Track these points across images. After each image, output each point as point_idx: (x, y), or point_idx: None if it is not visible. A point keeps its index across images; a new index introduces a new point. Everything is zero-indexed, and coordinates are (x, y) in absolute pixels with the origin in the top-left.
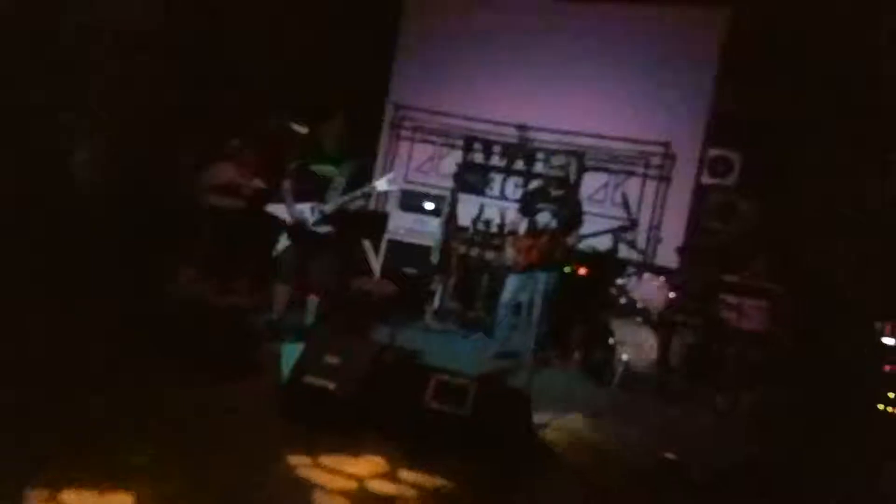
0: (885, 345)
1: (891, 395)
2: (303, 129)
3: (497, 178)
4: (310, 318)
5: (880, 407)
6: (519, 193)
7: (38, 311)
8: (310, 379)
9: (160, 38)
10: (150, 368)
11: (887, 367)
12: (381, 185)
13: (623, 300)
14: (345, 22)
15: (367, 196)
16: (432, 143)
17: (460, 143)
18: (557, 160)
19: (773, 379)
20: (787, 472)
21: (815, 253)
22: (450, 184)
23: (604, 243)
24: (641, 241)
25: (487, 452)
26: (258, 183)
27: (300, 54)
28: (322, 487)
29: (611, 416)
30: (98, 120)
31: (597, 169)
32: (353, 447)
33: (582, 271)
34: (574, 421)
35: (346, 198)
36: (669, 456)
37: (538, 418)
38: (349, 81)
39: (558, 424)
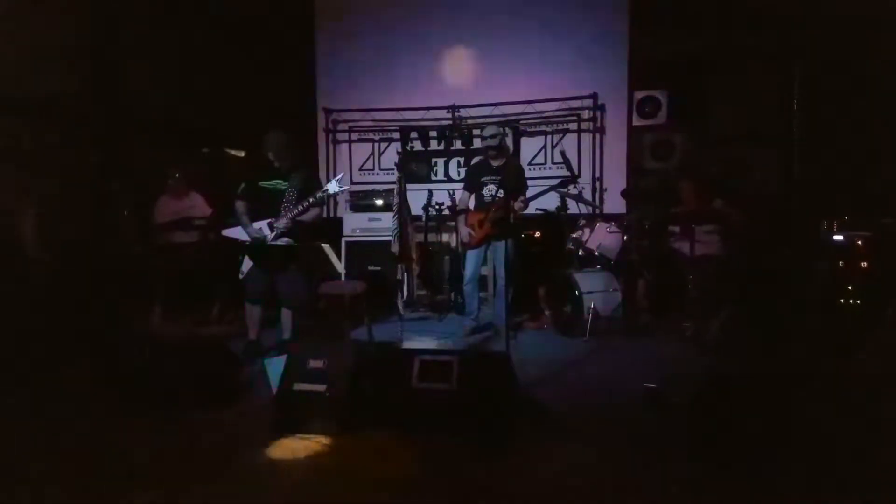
0: (837, 241)
1: (849, 288)
2: (239, 153)
3: (439, 163)
4: (286, 333)
5: (840, 301)
6: (462, 172)
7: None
8: (300, 385)
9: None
10: (139, 410)
11: (842, 263)
12: (332, 186)
13: (581, 252)
14: (260, 38)
15: (322, 202)
16: (370, 140)
17: (396, 135)
18: (491, 130)
19: (734, 297)
20: (757, 383)
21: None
22: (394, 176)
23: (553, 203)
24: (587, 193)
25: (477, 419)
26: (201, 210)
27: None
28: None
29: (590, 361)
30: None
31: (532, 133)
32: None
33: (537, 234)
34: (555, 374)
35: (300, 207)
36: (650, 385)
37: (522, 380)
38: (275, 96)
39: (542, 380)
